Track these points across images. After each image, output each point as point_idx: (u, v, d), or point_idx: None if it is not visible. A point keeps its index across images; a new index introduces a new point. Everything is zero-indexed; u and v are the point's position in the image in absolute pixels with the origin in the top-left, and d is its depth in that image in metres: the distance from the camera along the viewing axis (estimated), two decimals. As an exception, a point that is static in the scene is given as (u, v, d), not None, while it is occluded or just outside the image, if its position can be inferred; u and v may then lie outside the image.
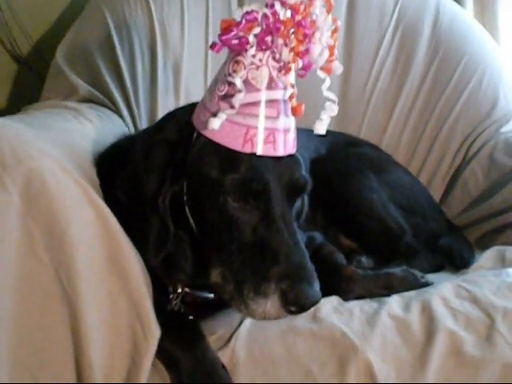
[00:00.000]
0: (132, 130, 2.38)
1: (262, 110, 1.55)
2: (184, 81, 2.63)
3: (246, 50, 1.51)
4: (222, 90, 1.57)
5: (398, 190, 2.42)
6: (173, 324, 1.68)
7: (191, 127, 1.63)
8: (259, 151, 1.54)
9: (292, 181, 1.61)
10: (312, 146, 2.49)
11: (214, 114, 1.55)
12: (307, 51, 1.52)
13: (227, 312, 1.76)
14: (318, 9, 1.53)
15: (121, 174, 1.68)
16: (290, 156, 1.62)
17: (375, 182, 2.35)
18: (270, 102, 1.56)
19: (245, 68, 1.52)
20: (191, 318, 1.76)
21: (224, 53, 2.66)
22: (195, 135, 1.62)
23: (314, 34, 1.52)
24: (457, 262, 2.24)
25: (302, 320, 1.70)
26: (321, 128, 1.61)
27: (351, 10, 2.86)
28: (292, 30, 1.50)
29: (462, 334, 1.68)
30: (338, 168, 2.37)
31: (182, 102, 2.52)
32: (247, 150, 1.54)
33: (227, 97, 1.55)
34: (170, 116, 1.81)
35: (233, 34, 1.50)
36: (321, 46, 1.53)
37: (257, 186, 1.55)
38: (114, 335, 1.54)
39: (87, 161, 1.77)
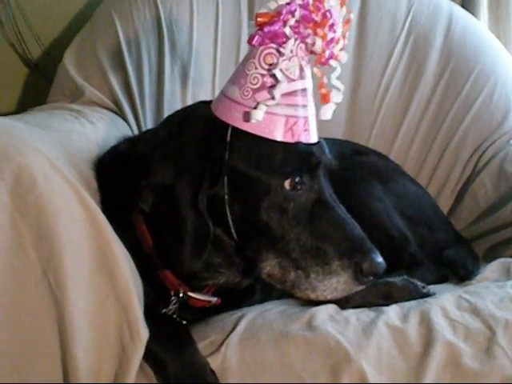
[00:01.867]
0: (136, 133, 2.37)
1: (299, 100, 1.58)
2: (191, 86, 2.62)
3: (284, 42, 1.53)
4: (255, 84, 1.58)
5: (405, 199, 2.38)
6: (162, 327, 1.66)
7: (221, 122, 1.61)
8: (299, 139, 1.58)
9: (325, 162, 1.67)
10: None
11: (254, 107, 1.55)
12: (332, 41, 1.56)
13: (220, 317, 1.74)
14: (333, 1, 1.56)
15: (141, 186, 1.60)
16: (318, 142, 1.67)
17: (380, 191, 2.31)
18: (303, 91, 1.60)
19: (282, 59, 1.54)
20: (184, 322, 1.74)
21: (232, 60, 2.68)
22: (229, 131, 1.60)
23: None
24: (461, 273, 2.19)
25: (296, 327, 1.67)
26: (327, 113, 1.62)
27: (362, 18, 2.84)
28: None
29: (460, 346, 1.64)
30: (343, 176, 2.33)
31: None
32: (288, 138, 1.57)
33: (263, 89, 1.56)
34: (181, 117, 1.75)
35: (278, 25, 1.53)
36: (336, 36, 1.57)
37: (316, 160, 1.62)
38: (101, 336, 1.51)
39: (83, 162, 1.75)
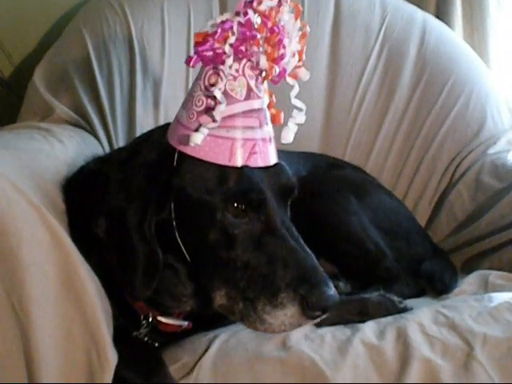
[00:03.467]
0: (108, 152, 2.33)
1: (247, 121, 1.53)
2: (163, 101, 2.59)
3: (224, 61, 1.48)
4: (199, 106, 1.53)
5: (381, 213, 2.37)
6: (133, 351, 1.63)
7: (170, 147, 1.57)
8: (246, 163, 1.51)
9: (281, 186, 1.59)
10: (292, 169, 2.43)
11: (196, 130, 1.51)
12: (282, 57, 1.50)
13: (193, 339, 1.70)
14: (286, 15, 1.52)
15: (95, 210, 1.58)
16: (276, 164, 1.60)
17: (356, 205, 2.29)
18: (251, 112, 1.53)
19: (222, 79, 1.49)
20: (156, 345, 1.71)
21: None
22: (176, 155, 1.56)
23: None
24: (438, 286, 2.17)
25: (270, 347, 1.64)
26: (287, 136, 1.59)
27: (336, 30, 2.82)
28: (263, 37, 1.49)
29: (438, 362, 1.62)
30: (318, 190, 2.31)
31: (162, 122, 2.46)
32: (234, 163, 1.51)
33: (207, 111, 1.51)
34: (144, 138, 1.73)
35: (209, 44, 1.48)
36: (290, 51, 1.52)
37: (257, 196, 1.52)
38: (68, 362, 1.47)
39: (50, 183, 1.70)
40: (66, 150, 1.98)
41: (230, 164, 1.51)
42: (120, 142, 2.46)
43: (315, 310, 1.47)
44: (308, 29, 1.56)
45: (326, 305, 1.47)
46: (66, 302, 1.48)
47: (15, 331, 1.42)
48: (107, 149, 2.38)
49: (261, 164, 1.54)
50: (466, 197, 2.59)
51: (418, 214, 2.67)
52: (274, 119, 1.57)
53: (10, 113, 2.63)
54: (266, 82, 1.56)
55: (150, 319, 1.71)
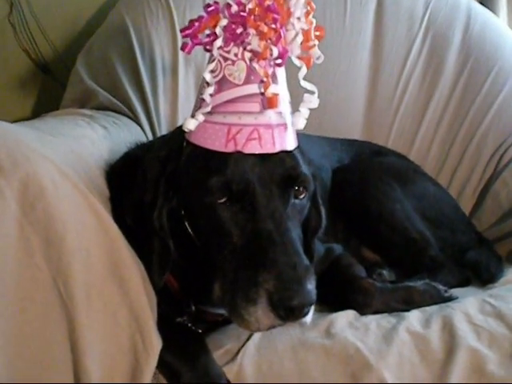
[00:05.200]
0: (150, 139, 2.33)
1: (246, 106, 1.49)
2: (205, 88, 2.57)
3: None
4: (202, 94, 1.52)
5: (425, 201, 2.34)
6: (177, 336, 1.63)
7: (181, 138, 1.58)
8: (242, 149, 1.47)
9: (282, 175, 1.51)
10: (335, 156, 2.43)
11: (192, 116, 1.52)
12: (280, 37, 1.46)
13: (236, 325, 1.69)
14: None
15: (126, 199, 1.61)
16: (285, 152, 1.53)
17: (400, 193, 2.27)
18: (250, 97, 1.49)
19: (214, 61, 1.48)
20: (200, 331, 1.70)
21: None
22: (184, 145, 1.57)
23: (286, 18, 1.46)
24: (484, 275, 2.13)
25: (314, 334, 1.64)
26: (299, 122, 1.54)
27: (379, 16, 2.79)
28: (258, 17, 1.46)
29: (485, 352, 1.60)
30: (360, 177, 2.29)
31: (204, 110, 2.47)
32: (230, 149, 1.48)
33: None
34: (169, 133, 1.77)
35: (194, 28, 1.48)
36: (294, 31, 1.48)
37: (237, 187, 1.47)
38: (113, 347, 1.48)
39: (95, 168, 1.71)
40: (109, 136, 1.99)
41: (226, 150, 1.48)
42: (163, 128, 2.47)
43: (280, 309, 1.38)
44: (313, 5, 1.49)
45: (290, 304, 1.37)
46: (111, 286, 1.48)
47: (60, 317, 1.42)
48: (150, 136, 2.38)
49: (260, 151, 1.49)
50: (512, 186, 2.55)
51: (462, 202, 2.64)
52: (269, 103, 1.48)
53: (53, 100, 2.65)
54: (283, 67, 1.52)
55: (193, 308, 1.71)
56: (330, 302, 1.83)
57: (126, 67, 2.47)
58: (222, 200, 1.49)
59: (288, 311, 1.38)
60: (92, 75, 2.47)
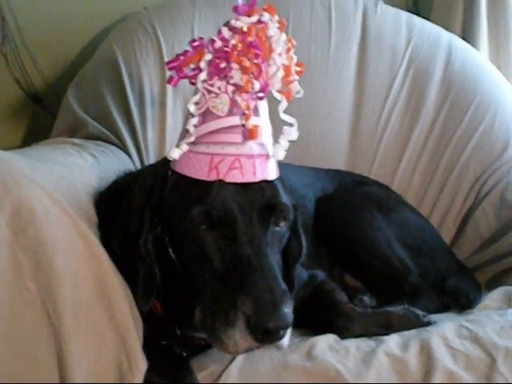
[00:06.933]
0: (138, 167, 2.38)
1: (228, 137, 1.54)
2: (193, 119, 2.62)
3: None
4: (187, 124, 1.58)
5: (406, 229, 2.39)
6: (162, 358, 1.66)
7: (167, 167, 1.64)
8: (224, 178, 1.52)
9: (262, 204, 1.55)
10: (319, 185, 2.48)
11: (177, 146, 1.58)
12: (261, 72, 1.52)
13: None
14: (271, 29, 1.54)
15: (113, 226, 1.66)
16: (266, 182, 1.58)
17: (381, 221, 2.32)
18: (232, 128, 1.55)
19: (198, 93, 1.54)
20: (184, 354, 1.73)
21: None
22: (169, 174, 1.62)
23: (268, 54, 1.53)
24: (462, 301, 2.18)
25: (295, 357, 1.67)
26: (278, 153, 1.59)
27: (362, 50, 2.86)
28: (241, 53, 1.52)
29: (461, 374, 1.64)
30: (343, 206, 2.34)
31: (192, 140, 2.52)
32: (213, 178, 1.53)
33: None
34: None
35: (179, 61, 1.55)
36: (275, 66, 1.54)
37: (218, 214, 1.52)
38: (99, 367, 1.51)
39: (84, 195, 1.76)
40: (98, 164, 2.03)
41: (208, 179, 1.53)
42: (151, 157, 2.52)
43: (257, 332, 1.41)
44: (294, 42, 1.57)
45: (267, 327, 1.41)
46: (99, 308, 1.52)
47: (49, 337, 1.46)
48: (138, 164, 2.43)
49: (242, 180, 1.54)
50: (491, 215, 2.59)
51: (443, 231, 2.69)
52: (250, 134, 1.54)
53: (44, 129, 2.70)
54: (265, 100, 1.58)
55: (178, 332, 1.74)
56: (313, 326, 1.86)
57: (115, 98, 2.52)
58: (204, 227, 1.53)
59: (264, 334, 1.42)
60: (82, 105, 2.51)
